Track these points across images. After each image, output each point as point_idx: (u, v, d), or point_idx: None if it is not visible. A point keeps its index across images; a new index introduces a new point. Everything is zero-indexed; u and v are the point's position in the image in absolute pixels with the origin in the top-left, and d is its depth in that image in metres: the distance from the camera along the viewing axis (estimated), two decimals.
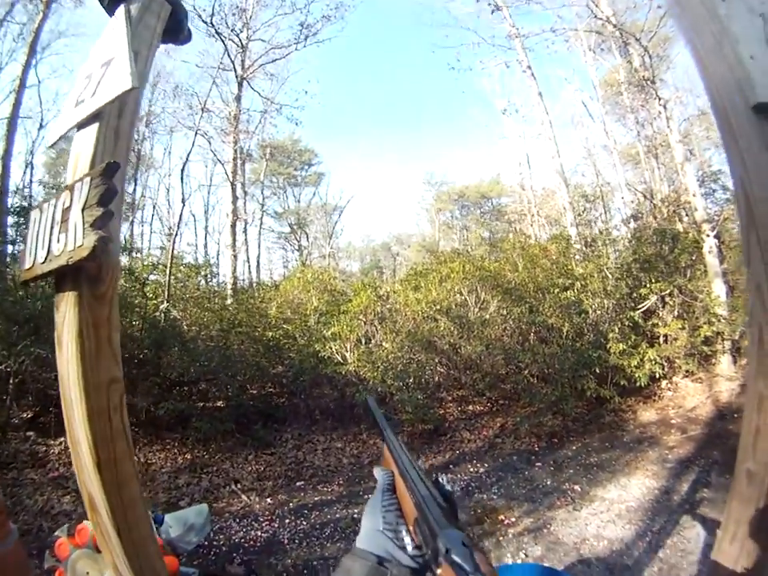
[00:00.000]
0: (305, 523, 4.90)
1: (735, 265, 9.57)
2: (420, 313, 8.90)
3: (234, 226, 15.20)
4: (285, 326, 9.38)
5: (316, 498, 5.54)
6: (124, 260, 9.73)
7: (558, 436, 6.98)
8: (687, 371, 8.24)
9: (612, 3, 12.39)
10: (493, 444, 7.01)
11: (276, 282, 16.30)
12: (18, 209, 9.24)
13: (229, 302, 11.15)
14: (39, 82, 17.54)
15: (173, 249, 10.28)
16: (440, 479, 0.75)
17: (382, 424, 0.94)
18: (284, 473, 6.24)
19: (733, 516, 1.04)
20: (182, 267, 10.83)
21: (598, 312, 8.46)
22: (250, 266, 22.19)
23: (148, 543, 1.13)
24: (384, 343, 8.23)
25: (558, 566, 3.74)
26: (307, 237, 29.01)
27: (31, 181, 18.60)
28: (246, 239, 19.46)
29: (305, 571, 3.98)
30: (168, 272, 8.91)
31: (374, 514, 0.70)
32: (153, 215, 23.32)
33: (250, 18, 15.69)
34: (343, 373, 7.70)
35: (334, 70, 55.23)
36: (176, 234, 11.79)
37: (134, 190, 22.01)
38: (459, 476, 5.98)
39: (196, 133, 13.36)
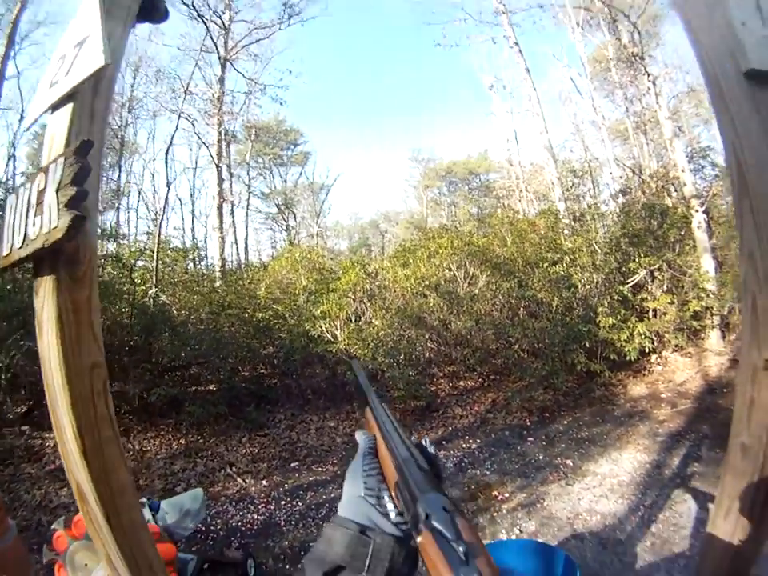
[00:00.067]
0: (300, 504, 4.93)
1: (724, 240, 9.61)
2: (409, 289, 8.90)
3: (220, 208, 15.10)
4: (274, 306, 9.35)
5: (311, 479, 5.57)
6: (111, 247, 9.64)
7: (550, 410, 7.04)
8: (677, 346, 8.32)
9: None
10: (485, 419, 7.06)
11: (264, 263, 16.26)
12: (0, 201, 9.11)
13: (218, 284, 11.05)
14: (19, 72, 17.10)
15: (159, 233, 10.21)
16: (423, 442, 0.72)
17: (366, 387, 0.91)
18: (278, 454, 6.26)
19: (727, 490, 1.04)
20: (169, 251, 10.77)
21: (587, 286, 8.49)
22: (238, 248, 22.08)
23: (139, 530, 1.12)
24: (374, 320, 8.24)
25: (552, 542, 3.79)
26: (295, 217, 28.80)
27: (14, 173, 18.20)
28: (233, 221, 19.38)
29: (302, 553, 4.00)
30: (155, 257, 8.84)
31: (355, 480, 0.67)
32: (138, 201, 22.96)
33: None
34: (334, 351, 7.70)
35: (318, 49, 54.50)
36: (162, 219, 11.72)
37: (119, 176, 21.70)
38: (452, 452, 6.03)
39: (179, 116, 13.21)
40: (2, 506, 1.55)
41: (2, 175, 16.16)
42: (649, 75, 10.55)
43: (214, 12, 14.76)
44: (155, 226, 14.21)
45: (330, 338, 7.97)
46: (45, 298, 0.98)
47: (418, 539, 0.49)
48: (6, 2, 14.45)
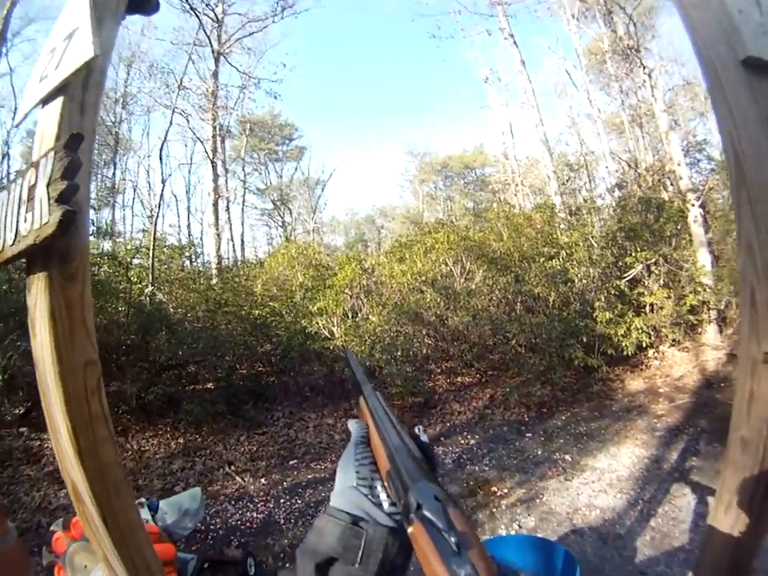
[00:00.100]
0: (299, 502, 4.94)
1: (720, 234, 9.60)
2: (406, 285, 8.90)
3: (216, 204, 15.06)
4: (271, 303, 9.35)
5: (309, 476, 5.57)
6: (107, 245, 9.59)
7: (548, 406, 7.05)
8: (674, 340, 8.33)
9: None
10: (483, 415, 7.06)
11: (261, 260, 16.25)
12: None
13: (214, 281, 11.05)
14: (11, 70, 16.92)
15: (155, 231, 10.16)
16: (416, 430, 0.71)
17: (359, 375, 0.90)
18: (277, 452, 6.26)
19: (727, 484, 1.02)
20: (165, 249, 10.74)
21: (584, 281, 8.50)
22: (234, 245, 21.99)
23: (136, 530, 1.11)
24: (371, 316, 8.23)
25: (552, 537, 3.80)
26: (291, 212, 28.67)
27: (8, 172, 18.12)
28: (228, 217, 19.28)
29: None
30: (151, 254, 8.81)
31: (347, 469, 0.66)
32: (134, 198, 22.87)
33: None
34: (331, 348, 7.70)
35: (311, 42, 54.30)
36: (157, 216, 11.60)
37: (114, 173, 21.59)
38: (450, 448, 6.04)
39: (173, 111, 13.13)
40: (2, 509, 1.54)
41: None
42: (644, 68, 10.55)
43: (206, 5, 14.64)
44: (151, 223, 14.20)
45: (327, 334, 7.97)
46: (37, 296, 0.97)
47: (409, 529, 0.48)
48: None
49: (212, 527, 4.46)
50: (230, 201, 20.57)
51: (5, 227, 1.03)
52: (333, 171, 36.67)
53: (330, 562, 0.56)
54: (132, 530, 1.08)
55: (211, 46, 15.23)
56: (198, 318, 8.42)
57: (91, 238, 8.88)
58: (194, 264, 13.00)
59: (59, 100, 1.07)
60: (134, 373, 6.72)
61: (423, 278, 8.89)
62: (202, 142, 16.09)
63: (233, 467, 5.82)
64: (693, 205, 9.03)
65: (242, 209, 25.22)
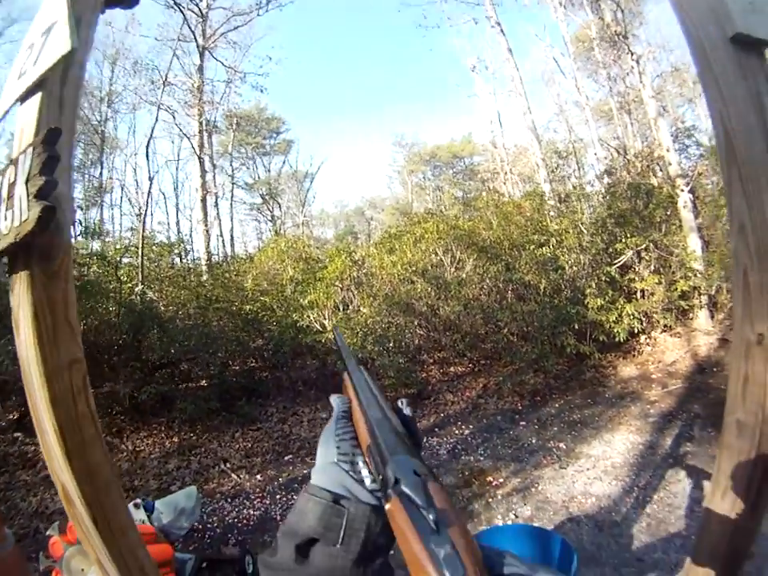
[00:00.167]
0: (296, 497, 4.90)
1: (710, 219, 9.64)
2: (396, 275, 8.89)
3: (204, 200, 14.97)
4: (262, 298, 9.36)
5: (305, 471, 5.55)
6: (96, 245, 9.53)
7: (541, 394, 7.08)
8: (665, 326, 8.37)
9: None
10: (476, 405, 7.08)
11: (251, 255, 16.24)
12: None
13: (204, 278, 11.00)
14: None
15: (143, 229, 10.10)
16: (399, 403, 0.69)
17: (343, 349, 0.88)
18: (272, 448, 6.25)
19: (723, 469, 1.02)
20: (154, 247, 10.66)
21: (575, 268, 8.53)
22: (223, 241, 21.98)
23: (128, 530, 1.10)
24: (362, 308, 8.23)
25: (548, 526, 3.82)
26: (280, 206, 28.62)
27: None
28: (217, 213, 19.23)
29: None
30: (140, 253, 8.75)
31: (328, 445, 0.63)
32: (121, 197, 22.73)
33: None
34: (323, 341, 7.69)
35: (297, 35, 54.03)
36: (145, 214, 11.57)
37: (101, 173, 21.48)
38: (445, 439, 6.05)
39: (159, 107, 13.02)
40: (0, 517, 1.52)
41: None
42: (632, 54, 10.54)
43: (190, 0, 14.51)
44: (139, 221, 14.10)
45: (319, 327, 7.95)
46: (20, 295, 0.96)
47: (387, 506, 0.46)
48: None
49: (209, 526, 4.44)
50: (219, 196, 20.54)
51: None
52: (321, 164, 36.95)
53: (311, 543, 0.54)
54: (123, 531, 1.07)
55: (196, 41, 15.09)
56: (189, 315, 8.38)
57: (80, 238, 8.86)
58: (184, 261, 12.94)
59: (37, 96, 1.06)
60: (126, 373, 6.66)
61: (413, 269, 8.88)
62: (188, 137, 16.01)
63: (228, 464, 5.81)
64: (682, 190, 9.04)
65: (231, 204, 25.17)
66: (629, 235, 8.24)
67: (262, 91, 17.37)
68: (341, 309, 8.34)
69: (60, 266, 0.97)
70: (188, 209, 25.03)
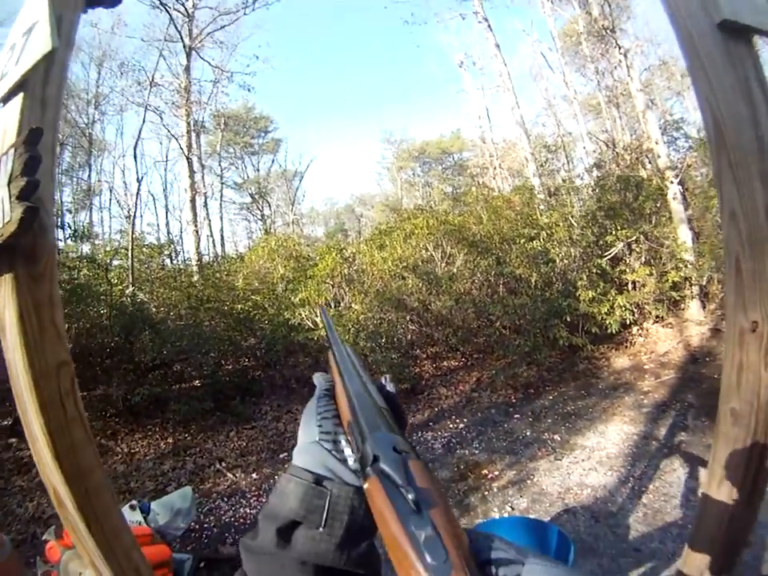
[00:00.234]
0: None
1: (700, 211, 9.68)
2: (387, 272, 8.87)
3: (193, 200, 14.93)
4: (253, 297, 9.35)
5: None
6: (86, 248, 9.47)
7: (534, 386, 7.09)
8: (657, 317, 8.39)
9: None
10: (470, 398, 7.09)
11: (241, 254, 16.22)
12: None
13: (195, 278, 10.97)
14: None
15: (132, 231, 10.07)
16: (382, 380, 0.66)
17: (327, 325, 0.87)
18: (267, 446, 6.23)
19: (718, 458, 1.02)
20: (144, 248, 10.64)
21: (566, 261, 8.55)
22: (213, 241, 21.92)
23: (121, 532, 1.09)
24: (353, 305, 8.20)
25: (544, 517, 3.83)
26: (269, 205, 28.55)
27: None
28: (207, 213, 19.19)
29: None
30: (130, 255, 8.73)
31: (309, 424, 0.59)
32: (110, 199, 22.62)
33: None
34: (315, 339, 7.67)
35: (285, 33, 53.79)
36: (134, 216, 11.55)
37: (89, 175, 21.34)
38: (439, 433, 6.06)
39: (146, 108, 13.00)
40: None
41: None
42: (620, 48, 10.56)
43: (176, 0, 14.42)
44: (128, 223, 14.02)
45: (311, 325, 7.93)
46: (5, 298, 0.95)
47: (365, 485, 0.44)
48: None
49: (206, 525, 4.43)
50: (208, 197, 20.49)
51: None
52: (310, 162, 36.75)
53: (292, 527, 0.51)
54: (116, 533, 1.07)
55: (182, 41, 15.02)
56: (180, 315, 8.36)
57: (69, 241, 8.79)
58: (175, 262, 12.92)
59: (19, 96, 1.05)
60: (119, 375, 6.64)
61: (404, 264, 8.88)
62: (176, 138, 15.98)
63: (223, 464, 5.79)
64: (671, 182, 9.07)
65: (221, 204, 25.13)
66: (619, 227, 8.25)
67: (249, 90, 17.31)
68: (332, 306, 8.32)
69: (45, 267, 0.96)
70: (177, 210, 24.94)
